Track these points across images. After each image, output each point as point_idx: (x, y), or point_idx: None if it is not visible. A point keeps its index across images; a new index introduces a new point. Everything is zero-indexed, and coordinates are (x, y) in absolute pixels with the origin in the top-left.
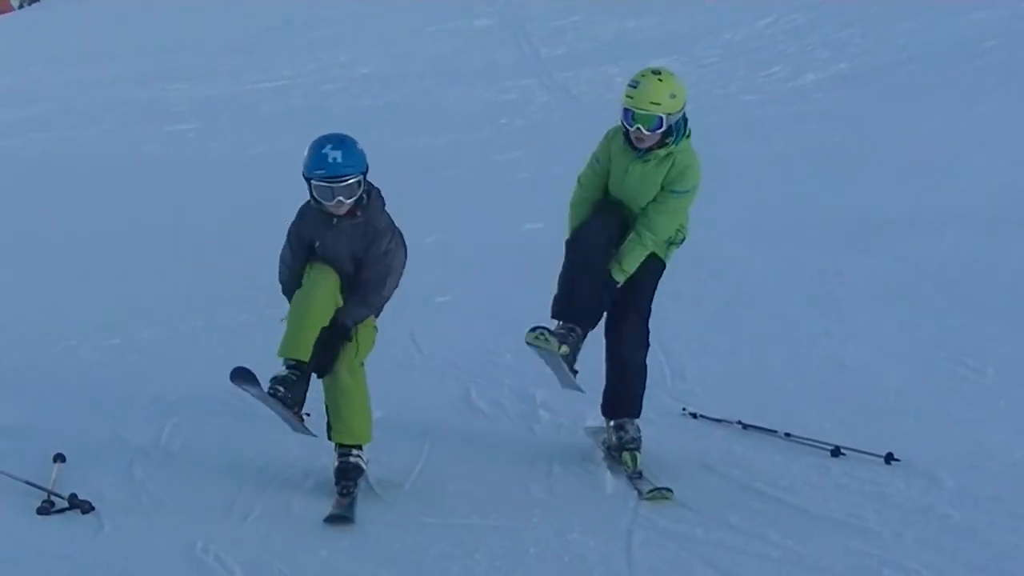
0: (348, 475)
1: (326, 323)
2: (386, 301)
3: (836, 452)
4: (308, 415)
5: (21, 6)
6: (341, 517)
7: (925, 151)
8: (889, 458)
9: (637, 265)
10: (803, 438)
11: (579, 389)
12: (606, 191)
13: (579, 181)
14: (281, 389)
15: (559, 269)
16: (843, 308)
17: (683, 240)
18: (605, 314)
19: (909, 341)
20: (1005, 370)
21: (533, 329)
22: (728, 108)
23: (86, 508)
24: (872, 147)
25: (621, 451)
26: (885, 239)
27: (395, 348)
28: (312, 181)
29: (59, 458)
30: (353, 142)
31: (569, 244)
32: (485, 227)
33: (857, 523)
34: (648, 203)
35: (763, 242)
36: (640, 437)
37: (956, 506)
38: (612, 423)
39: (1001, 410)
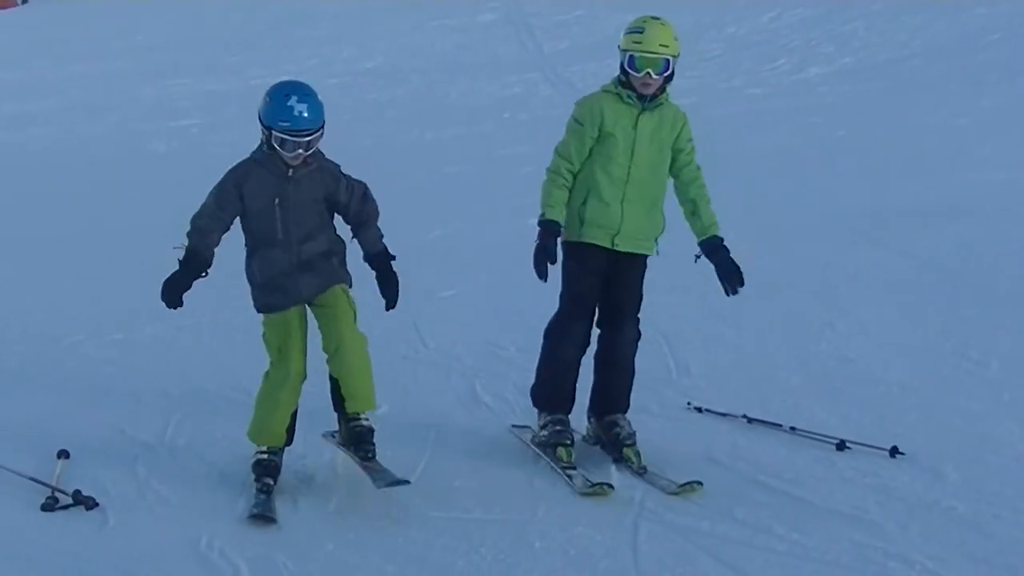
0: (366, 438)
1: (296, 405)
2: (379, 213)
3: (841, 445)
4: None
5: (25, 1)
6: (398, 481)
7: (929, 145)
8: (894, 451)
9: (715, 217)
10: (808, 432)
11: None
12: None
13: (557, 152)
14: (271, 482)
15: (559, 267)
16: (847, 302)
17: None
18: (596, 315)
19: (913, 335)
20: (1009, 364)
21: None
22: (733, 101)
23: (90, 504)
24: (876, 141)
25: (622, 448)
26: (889, 233)
27: (400, 342)
28: (274, 132)
29: (63, 454)
30: (314, 93)
31: (549, 338)
32: (489, 221)
33: (862, 516)
34: (671, 168)
35: (767, 235)
36: (634, 432)
37: (960, 499)
38: (605, 419)
39: (1005, 403)
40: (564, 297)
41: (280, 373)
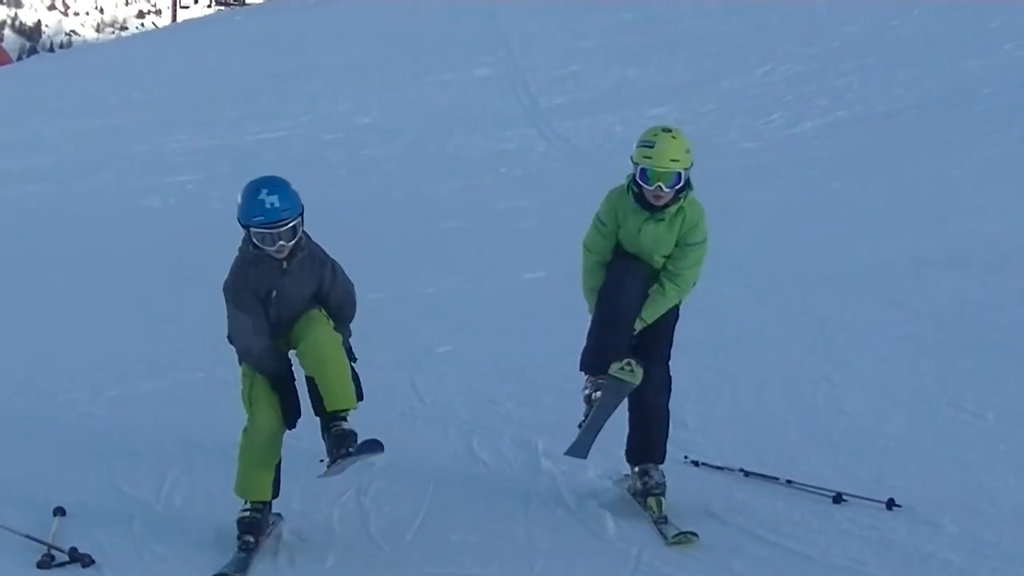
0: (346, 439)
1: (279, 458)
2: (355, 308)
3: (838, 498)
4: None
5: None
6: (372, 442)
7: (924, 196)
8: (891, 504)
9: (657, 316)
10: (805, 484)
11: (583, 455)
12: (616, 249)
13: (586, 247)
14: (252, 540)
15: (561, 318)
16: (843, 354)
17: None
18: (642, 337)
19: (910, 386)
20: (1006, 414)
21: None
22: (728, 155)
23: (87, 562)
24: (872, 193)
25: (646, 496)
26: (886, 284)
27: (397, 398)
28: (251, 228)
29: (59, 511)
30: (286, 183)
31: (601, 299)
32: (486, 276)
33: (859, 569)
34: (667, 258)
35: (763, 288)
36: (665, 483)
37: (958, 551)
38: (636, 469)
39: (1002, 454)
40: (613, 265)
41: (252, 427)
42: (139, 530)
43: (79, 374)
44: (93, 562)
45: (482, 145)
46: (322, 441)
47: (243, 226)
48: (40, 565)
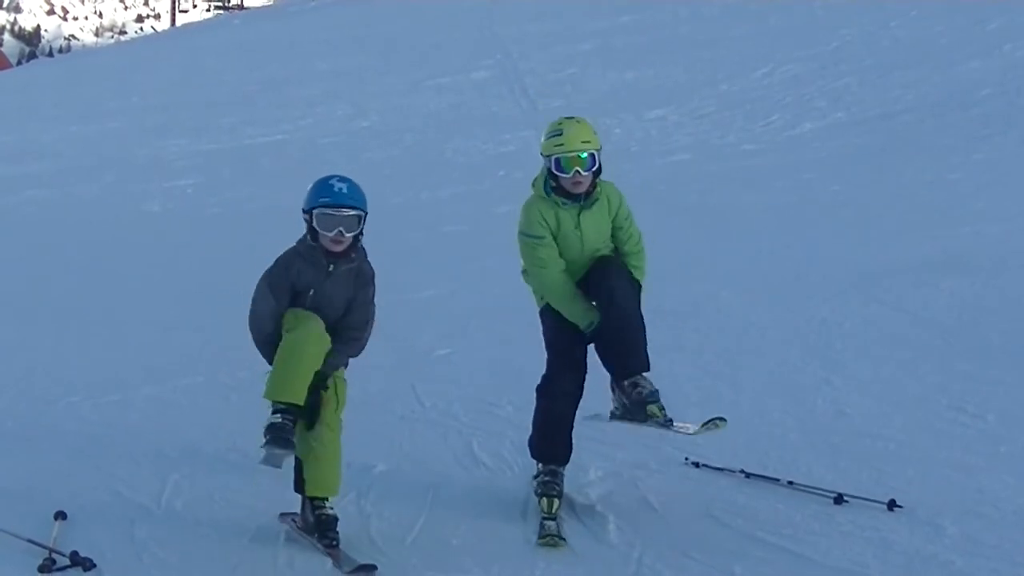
0: (331, 526)
1: (318, 367)
2: (359, 353)
3: (839, 500)
4: None
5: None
6: (367, 567)
7: (923, 199)
8: (892, 505)
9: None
10: (806, 486)
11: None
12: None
13: (538, 267)
14: (284, 439)
15: None
16: (843, 357)
17: None
18: (589, 273)
19: (910, 389)
20: (1006, 417)
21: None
22: (727, 158)
23: (88, 566)
24: (870, 195)
25: (644, 406)
26: (885, 288)
27: (397, 402)
28: (315, 211)
29: (60, 516)
30: (358, 184)
31: (541, 396)
32: (486, 280)
33: (860, 571)
34: (610, 244)
35: (763, 292)
36: (657, 389)
37: (959, 553)
38: (625, 383)
39: (1002, 456)
40: (549, 357)
41: (301, 328)
42: (140, 534)
43: (79, 379)
44: (94, 566)
45: (481, 148)
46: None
47: (306, 212)
48: (41, 569)
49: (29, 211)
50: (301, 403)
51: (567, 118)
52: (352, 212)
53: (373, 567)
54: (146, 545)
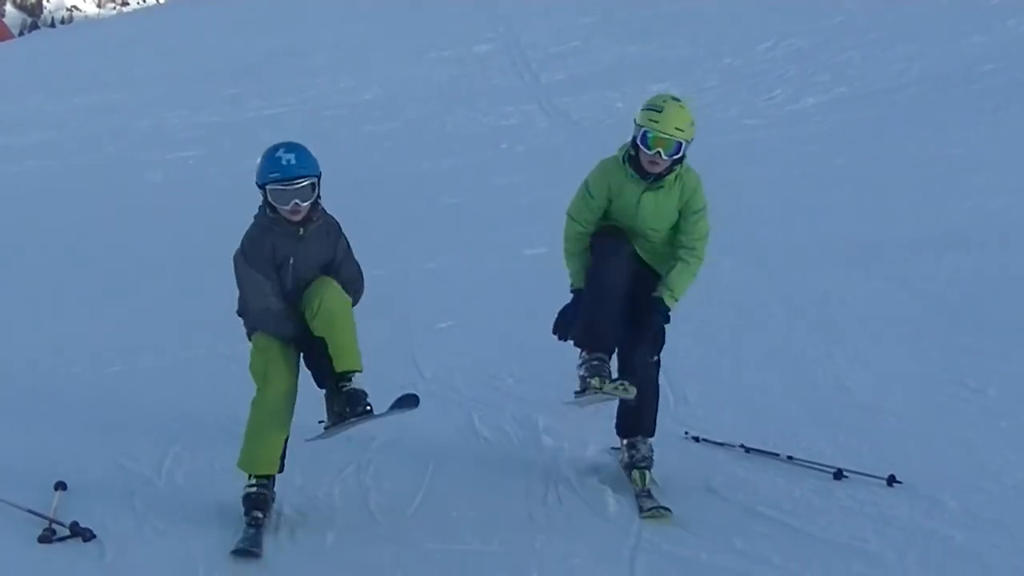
0: (360, 399)
1: (287, 433)
2: (362, 293)
3: (839, 475)
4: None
5: (21, 33)
6: (410, 397)
7: (925, 173)
8: (891, 480)
9: (685, 289)
10: (806, 461)
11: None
12: (600, 225)
13: (570, 215)
14: (260, 515)
15: (562, 294)
16: (844, 331)
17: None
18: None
19: (911, 364)
20: (1007, 391)
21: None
22: (729, 132)
23: (88, 536)
24: (873, 170)
25: (631, 469)
26: (886, 262)
27: (397, 374)
28: (267, 187)
29: (60, 486)
30: (304, 147)
31: (591, 279)
32: (486, 252)
33: (860, 546)
34: (676, 231)
35: (765, 266)
36: (652, 456)
37: (959, 528)
38: (625, 442)
39: (1003, 431)
40: (597, 243)
41: (265, 398)
42: (140, 505)
43: (80, 350)
44: (94, 536)
45: (483, 121)
46: (324, 405)
47: (260, 187)
48: (41, 539)
49: (30, 181)
50: (272, 473)
51: (673, 99)
52: (304, 182)
53: (414, 398)
54: (146, 516)
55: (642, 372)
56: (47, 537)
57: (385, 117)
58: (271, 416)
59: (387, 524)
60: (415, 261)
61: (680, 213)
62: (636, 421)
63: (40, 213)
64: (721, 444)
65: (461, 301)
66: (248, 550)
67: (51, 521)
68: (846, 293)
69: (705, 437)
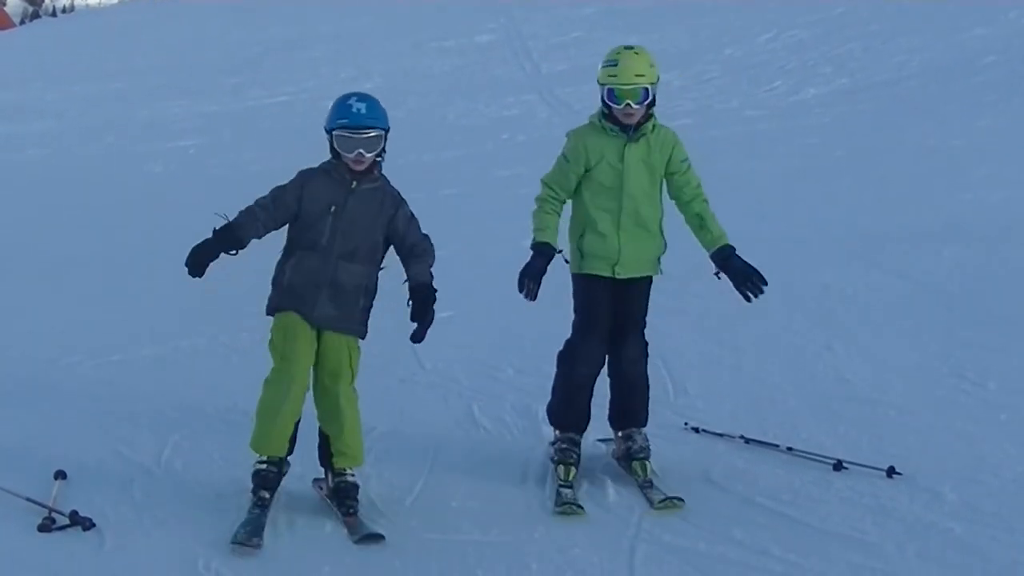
0: (350, 494)
1: (300, 414)
2: (434, 256)
3: (838, 466)
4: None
5: (22, 22)
6: (375, 535)
7: (926, 166)
8: (891, 472)
9: (721, 228)
10: (805, 452)
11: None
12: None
13: (544, 182)
14: (268, 496)
15: (563, 285)
16: (845, 323)
17: (666, 247)
18: (613, 325)
19: (911, 356)
20: (1006, 384)
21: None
22: (730, 123)
23: (87, 525)
24: (873, 162)
25: (630, 461)
26: (887, 254)
27: (397, 364)
28: (334, 132)
29: (60, 475)
30: (377, 100)
31: (562, 361)
32: (487, 243)
33: (859, 537)
34: (655, 190)
35: (765, 257)
36: (648, 446)
37: (958, 520)
38: (620, 434)
39: (1003, 424)
40: (575, 322)
41: (282, 380)
42: (139, 494)
43: (80, 340)
44: (94, 525)
45: (484, 112)
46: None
47: (327, 132)
48: (41, 528)
49: (31, 170)
50: (284, 455)
51: (626, 48)
52: (372, 133)
53: (380, 536)
54: (146, 505)
55: (630, 368)
56: (47, 526)
57: (386, 107)
58: (285, 395)
59: (387, 513)
60: None
61: (667, 171)
62: (630, 413)
63: (40, 202)
64: (721, 435)
65: (461, 292)
66: (246, 543)
67: (51, 510)
68: (846, 285)
69: (705, 428)
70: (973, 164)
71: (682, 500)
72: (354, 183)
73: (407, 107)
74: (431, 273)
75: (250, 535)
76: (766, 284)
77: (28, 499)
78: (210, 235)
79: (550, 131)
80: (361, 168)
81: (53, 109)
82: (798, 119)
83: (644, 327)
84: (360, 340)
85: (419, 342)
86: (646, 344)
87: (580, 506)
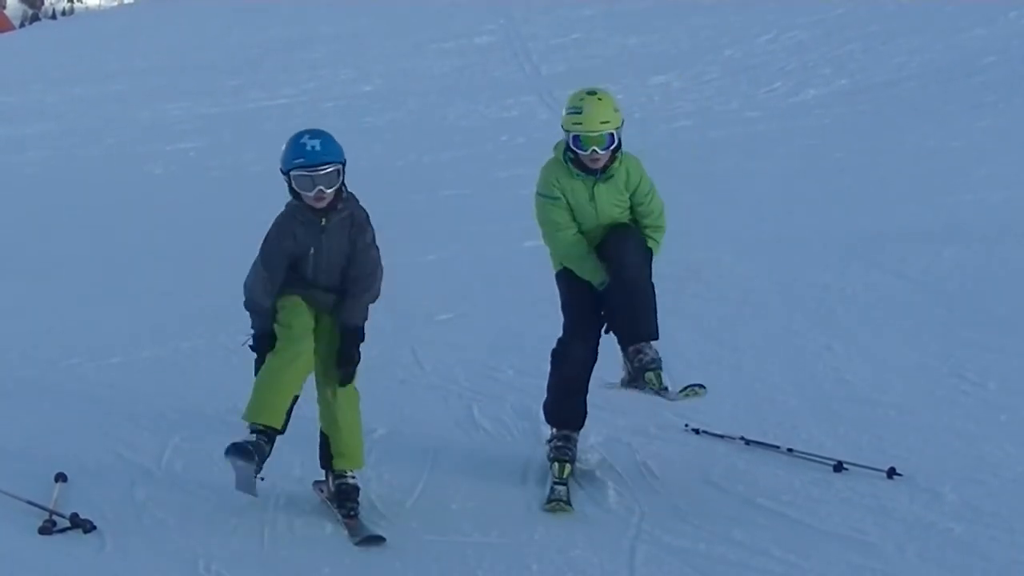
0: (351, 496)
1: (299, 392)
2: (376, 299)
3: (838, 467)
4: (263, 479)
5: (22, 24)
6: (375, 537)
7: (926, 166)
8: (891, 473)
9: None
10: (806, 453)
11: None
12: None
13: (554, 228)
14: (256, 459)
15: (555, 290)
16: (845, 324)
17: None
18: (603, 240)
19: (911, 356)
20: (1007, 384)
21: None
22: (730, 124)
23: (88, 527)
24: (873, 163)
25: (643, 372)
26: (887, 254)
27: (397, 366)
28: (292, 173)
29: (61, 477)
30: (330, 134)
31: (555, 361)
32: (487, 244)
33: (859, 538)
34: (635, 216)
35: (765, 258)
36: (660, 358)
37: (958, 520)
38: (630, 350)
39: (1003, 424)
40: (565, 321)
41: (287, 352)
42: (140, 496)
43: (80, 341)
44: (94, 528)
45: (483, 113)
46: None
47: (284, 173)
48: (42, 531)
49: (31, 172)
50: (278, 427)
51: (589, 94)
52: (329, 168)
53: (381, 538)
54: (146, 507)
55: (631, 273)
56: (47, 528)
57: (386, 109)
58: (290, 362)
59: (387, 514)
60: (415, 253)
61: (631, 199)
62: (637, 324)
63: (41, 204)
64: (721, 436)
65: (461, 293)
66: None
67: (51, 512)
68: (846, 286)
69: (705, 429)
70: (973, 164)
71: (703, 387)
72: (323, 221)
73: (407, 108)
74: (364, 314)
75: (246, 488)
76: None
77: (29, 501)
78: (256, 355)
79: (550, 132)
80: (323, 205)
81: (53, 111)
82: (798, 120)
83: (641, 236)
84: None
85: (344, 385)
86: (649, 250)
87: (570, 504)
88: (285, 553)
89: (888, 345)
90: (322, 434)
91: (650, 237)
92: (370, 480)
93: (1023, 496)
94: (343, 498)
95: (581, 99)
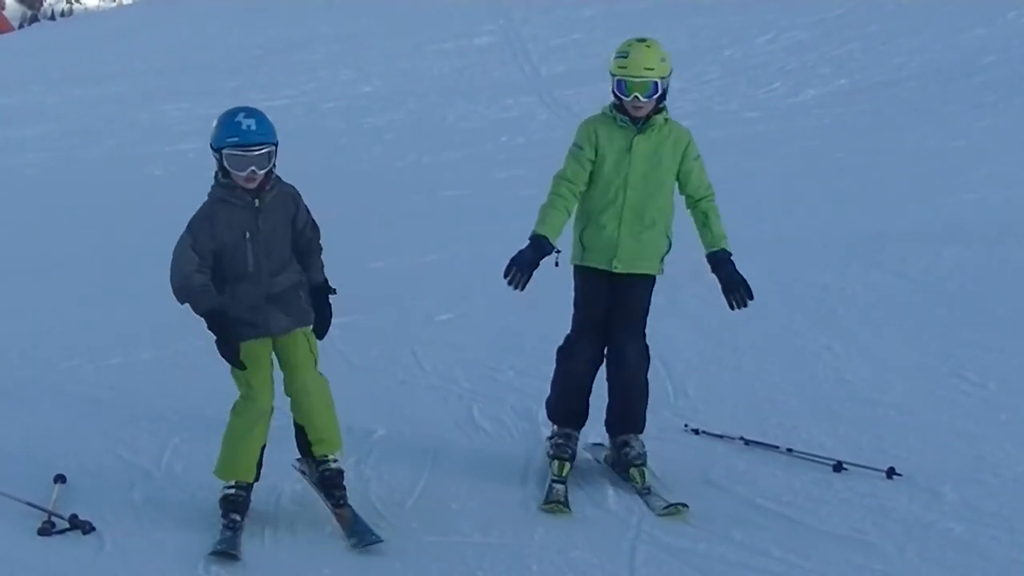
0: (336, 482)
1: (266, 440)
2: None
3: (838, 467)
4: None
5: (21, 25)
6: (372, 539)
7: (926, 166)
8: (891, 473)
9: (723, 229)
10: (805, 453)
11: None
12: (590, 186)
13: (557, 176)
14: (238, 518)
15: (563, 287)
16: (845, 324)
17: (670, 247)
18: (610, 335)
19: (911, 356)
20: (1006, 384)
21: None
22: (729, 124)
23: (87, 529)
24: (873, 163)
25: (628, 468)
26: (886, 254)
27: (397, 366)
28: (224, 151)
29: (60, 479)
30: (264, 114)
31: (560, 356)
32: (487, 244)
33: (859, 538)
34: (660, 184)
35: (764, 258)
36: (645, 452)
37: (958, 520)
38: (616, 440)
39: (1002, 424)
40: (573, 317)
41: (249, 408)
42: (139, 498)
43: (80, 342)
44: (93, 529)
45: (483, 114)
46: (304, 464)
47: (215, 150)
48: (41, 532)
49: (31, 174)
50: (250, 480)
51: (638, 40)
52: (264, 149)
53: (377, 539)
54: (145, 508)
55: (630, 371)
56: (46, 530)
57: (385, 110)
58: (253, 424)
59: (387, 515)
60: (415, 254)
61: (681, 168)
62: (627, 419)
63: (41, 205)
64: (721, 436)
65: (461, 294)
66: (227, 552)
67: (50, 514)
68: (846, 286)
69: (705, 430)
70: (973, 164)
71: (686, 506)
72: (256, 201)
73: (407, 109)
74: (323, 268)
75: (228, 546)
76: (752, 298)
77: (28, 503)
78: (215, 337)
79: (549, 133)
80: (253, 186)
81: (53, 112)
82: (797, 120)
83: (644, 328)
84: (310, 325)
85: (321, 338)
86: (647, 348)
87: (567, 504)
88: (285, 554)
89: (888, 345)
90: (296, 424)
91: (705, 210)
92: (370, 481)
93: (1023, 496)
94: (329, 486)
95: (629, 45)
